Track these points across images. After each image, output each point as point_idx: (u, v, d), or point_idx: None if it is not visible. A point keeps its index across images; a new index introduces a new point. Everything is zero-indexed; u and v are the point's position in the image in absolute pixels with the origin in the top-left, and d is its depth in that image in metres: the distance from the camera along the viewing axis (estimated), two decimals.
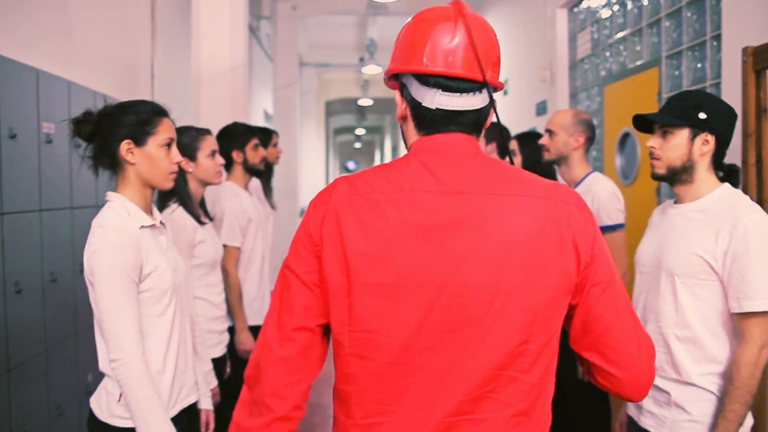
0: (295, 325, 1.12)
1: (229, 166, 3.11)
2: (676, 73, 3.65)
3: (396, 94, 1.21)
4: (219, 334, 2.54)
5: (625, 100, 4.24)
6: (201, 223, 2.44)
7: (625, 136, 4.21)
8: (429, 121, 1.15)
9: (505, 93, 6.83)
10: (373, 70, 11.84)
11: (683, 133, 1.79)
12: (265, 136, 3.77)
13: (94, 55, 3.85)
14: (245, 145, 3.11)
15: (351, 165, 26.63)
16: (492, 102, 1.17)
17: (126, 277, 1.63)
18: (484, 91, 1.15)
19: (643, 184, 3.94)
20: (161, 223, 1.86)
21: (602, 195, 2.50)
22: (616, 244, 2.50)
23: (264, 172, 3.54)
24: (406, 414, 1.08)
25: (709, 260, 1.69)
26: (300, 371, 1.13)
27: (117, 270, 1.62)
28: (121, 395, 1.64)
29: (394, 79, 1.22)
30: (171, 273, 1.75)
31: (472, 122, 1.16)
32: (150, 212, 1.83)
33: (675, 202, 1.88)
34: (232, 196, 3.02)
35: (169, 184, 1.81)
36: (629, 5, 4.26)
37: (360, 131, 22.55)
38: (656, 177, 1.86)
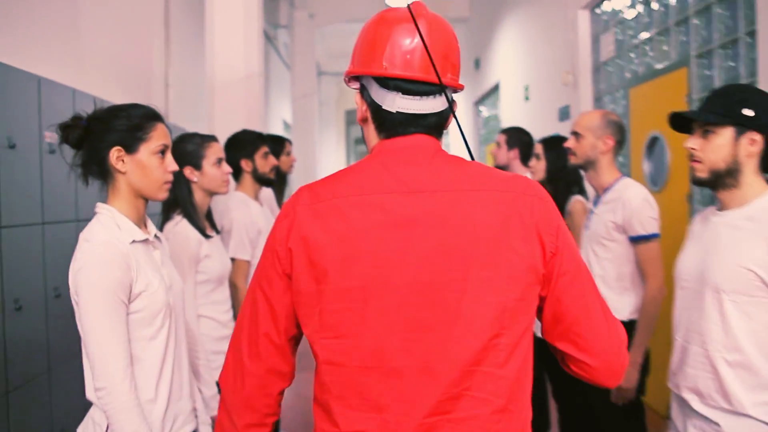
0: (263, 342, 1.15)
1: (238, 175, 2.98)
2: (707, 73, 3.49)
3: (356, 96, 1.21)
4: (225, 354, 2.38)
5: (653, 103, 4.09)
6: (206, 236, 2.30)
7: (653, 140, 4.05)
8: (389, 124, 1.16)
9: (527, 98, 6.69)
10: None
11: (727, 132, 1.62)
12: (278, 144, 3.65)
13: (106, 63, 3.78)
14: (254, 154, 2.96)
15: None
16: (451, 104, 1.17)
17: (113, 296, 1.49)
18: (446, 93, 1.15)
19: (674, 191, 3.77)
20: (156, 236, 1.73)
21: (634, 202, 2.31)
22: (650, 256, 2.31)
23: (276, 182, 3.40)
24: (385, 419, 1.06)
25: (761, 274, 1.51)
26: (270, 385, 1.17)
27: (103, 289, 1.48)
28: (108, 427, 1.50)
29: (356, 79, 1.22)
30: (164, 292, 1.61)
31: (433, 124, 1.16)
32: (143, 225, 1.69)
33: (718, 209, 1.71)
34: (241, 207, 2.88)
35: (162, 195, 1.68)
36: (655, 5, 4.10)
37: None
38: (697, 182, 1.69)
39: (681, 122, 1.74)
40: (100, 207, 1.63)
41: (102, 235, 1.55)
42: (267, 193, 3.56)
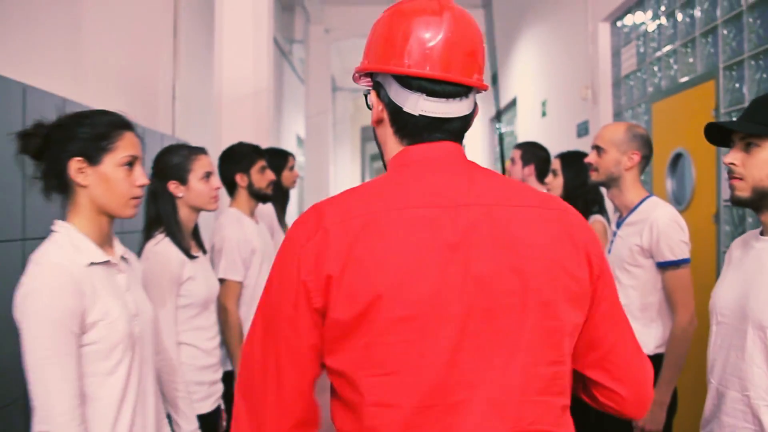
0: (288, 395, 0.99)
1: (233, 190, 2.81)
2: (737, 85, 3.28)
3: (371, 95, 1.10)
4: (209, 385, 2.17)
5: (677, 118, 3.89)
6: (191, 256, 2.12)
7: (677, 157, 3.84)
8: (411, 128, 1.05)
9: (544, 114, 6.52)
10: None
11: None
12: (280, 158, 3.49)
13: (109, 74, 3.66)
14: (250, 168, 2.79)
15: None
16: (476, 107, 1.09)
17: (61, 327, 1.31)
18: (471, 96, 1.07)
19: (699, 210, 3.56)
20: (123, 258, 1.55)
21: (662, 223, 2.09)
22: (680, 284, 2.08)
23: (277, 198, 3.22)
24: None
25: None
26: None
27: (50, 319, 1.30)
28: None
29: (367, 76, 1.12)
30: (126, 321, 1.43)
31: (458, 129, 1.07)
32: (108, 245, 1.51)
33: (761, 233, 1.50)
34: (234, 225, 2.70)
35: (129, 212, 1.50)
36: (679, 15, 3.89)
37: None
38: (737, 201, 1.49)
39: (718, 134, 1.54)
40: (57, 225, 1.46)
41: (54, 256, 1.37)
42: (268, 209, 3.39)
